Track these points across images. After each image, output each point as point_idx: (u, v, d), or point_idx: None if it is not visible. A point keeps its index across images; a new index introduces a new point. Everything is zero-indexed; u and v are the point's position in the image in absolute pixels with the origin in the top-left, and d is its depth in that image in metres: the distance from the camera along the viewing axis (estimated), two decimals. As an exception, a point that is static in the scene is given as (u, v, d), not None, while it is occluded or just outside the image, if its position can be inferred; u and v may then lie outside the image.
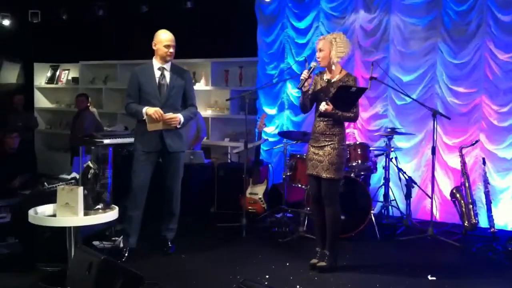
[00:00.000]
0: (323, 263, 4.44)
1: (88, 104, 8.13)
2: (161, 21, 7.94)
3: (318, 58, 4.42)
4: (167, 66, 4.81)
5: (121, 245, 4.78)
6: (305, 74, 4.38)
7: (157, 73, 4.78)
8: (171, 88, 4.77)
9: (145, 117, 4.63)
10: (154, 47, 4.78)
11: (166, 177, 4.84)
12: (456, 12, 5.99)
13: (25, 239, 4.59)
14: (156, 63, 4.80)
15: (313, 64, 4.43)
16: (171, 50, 4.74)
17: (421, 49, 6.23)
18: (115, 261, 3.55)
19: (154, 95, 4.72)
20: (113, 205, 4.12)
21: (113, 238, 5.00)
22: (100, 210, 3.99)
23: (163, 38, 4.74)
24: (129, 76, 4.88)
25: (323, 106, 4.30)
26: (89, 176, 4.00)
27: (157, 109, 4.60)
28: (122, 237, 4.83)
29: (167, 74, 4.79)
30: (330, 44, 4.35)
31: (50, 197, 4.30)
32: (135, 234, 4.77)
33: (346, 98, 4.29)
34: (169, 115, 4.64)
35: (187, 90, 4.89)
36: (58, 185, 4.30)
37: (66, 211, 3.80)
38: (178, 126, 4.71)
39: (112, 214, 4.02)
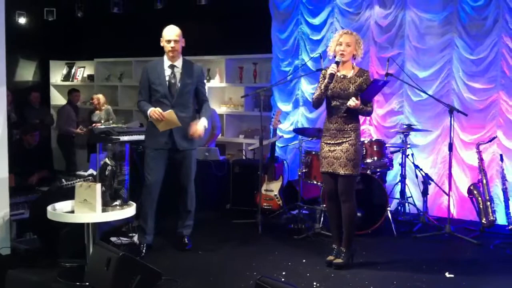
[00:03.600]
0: (339, 260, 4.43)
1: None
2: (176, 17, 7.95)
3: (344, 51, 4.36)
4: (178, 63, 4.71)
5: (137, 241, 4.80)
6: (334, 67, 4.34)
7: (167, 71, 4.69)
8: (183, 87, 4.69)
9: (150, 119, 4.59)
10: (161, 44, 4.71)
11: (179, 175, 4.82)
12: (472, 7, 5.93)
13: (43, 235, 4.63)
14: (166, 60, 4.72)
15: (338, 58, 4.39)
16: (172, 44, 4.61)
17: (437, 44, 6.18)
18: (133, 257, 3.58)
19: (164, 95, 4.65)
20: (130, 202, 4.15)
21: (130, 234, 5.02)
22: (118, 207, 4.03)
23: (165, 33, 4.66)
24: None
25: (352, 102, 4.24)
26: (107, 172, 4.03)
27: (156, 109, 4.52)
28: (138, 234, 4.84)
29: (178, 73, 4.69)
30: (357, 42, 4.38)
31: (68, 194, 4.34)
32: (151, 231, 4.78)
33: (372, 92, 4.33)
34: (193, 130, 4.61)
35: (198, 87, 4.81)
36: (76, 182, 4.34)
37: (84, 208, 3.83)
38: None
39: (129, 210, 4.06)
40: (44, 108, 9.05)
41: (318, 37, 6.89)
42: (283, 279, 4.13)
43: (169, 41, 4.64)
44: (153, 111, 4.52)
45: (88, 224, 3.96)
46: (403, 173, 5.85)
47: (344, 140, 4.37)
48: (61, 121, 8.53)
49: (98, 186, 3.86)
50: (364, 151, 5.53)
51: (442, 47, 6.15)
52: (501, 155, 5.69)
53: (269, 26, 7.26)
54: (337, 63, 4.37)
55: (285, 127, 7.16)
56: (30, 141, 6.61)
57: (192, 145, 4.80)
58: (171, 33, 4.66)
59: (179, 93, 4.68)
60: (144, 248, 4.70)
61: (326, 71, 4.40)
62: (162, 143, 4.69)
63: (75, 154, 8.54)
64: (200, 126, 4.66)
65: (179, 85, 4.68)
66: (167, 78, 4.68)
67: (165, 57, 4.73)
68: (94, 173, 4.93)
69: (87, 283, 3.71)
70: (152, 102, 4.68)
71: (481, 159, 5.58)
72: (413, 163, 5.87)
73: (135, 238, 4.91)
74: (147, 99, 4.71)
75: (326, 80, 4.38)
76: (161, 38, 4.71)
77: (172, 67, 4.70)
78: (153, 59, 4.88)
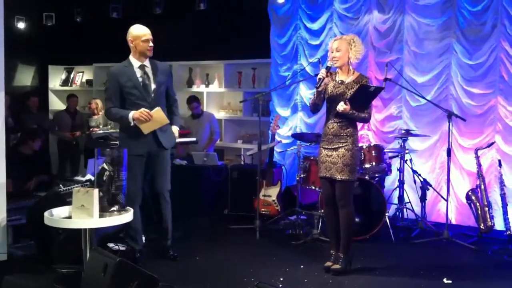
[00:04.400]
0: (337, 266, 4.42)
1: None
2: (175, 22, 8.01)
3: (335, 58, 4.38)
4: (147, 62, 4.57)
5: (136, 247, 4.77)
6: (323, 73, 4.36)
7: (139, 73, 4.52)
8: (158, 87, 4.57)
9: (132, 123, 4.43)
10: (130, 44, 4.52)
11: (156, 180, 4.67)
12: (471, 12, 5.93)
13: (40, 241, 4.61)
14: (135, 61, 4.52)
15: (330, 63, 4.42)
16: (151, 44, 4.49)
17: (436, 49, 6.17)
18: (130, 263, 3.56)
19: (141, 97, 4.49)
20: (127, 207, 4.14)
21: (128, 240, 5.00)
22: (115, 212, 4.00)
23: (140, 32, 4.50)
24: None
25: (341, 106, 4.27)
26: (104, 178, 4.00)
27: (142, 110, 4.40)
28: (129, 241, 4.76)
29: (150, 73, 4.56)
30: (348, 45, 4.35)
31: (65, 199, 4.32)
32: (140, 235, 4.74)
33: (364, 97, 4.31)
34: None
35: (169, 86, 4.73)
36: (74, 187, 4.32)
37: (82, 213, 3.81)
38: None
39: (127, 216, 4.03)
40: (42, 113, 9.03)
41: (317, 42, 6.89)
42: (280, 285, 4.12)
43: (147, 40, 4.48)
44: (140, 112, 4.38)
45: (85, 229, 3.93)
46: (401, 179, 5.83)
47: (341, 145, 4.37)
48: (54, 126, 8.56)
49: (96, 191, 3.84)
50: (363, 156, 5.53)
51: (440, 52, 6.15)
52: (499, 161, 5.68)
53: (268, 31, 7.26)
54: (328, 68, 4.38)
55: (284, 132, 7.16)
56: (33, 147, 6.60)
57: (173, 142, 4.77)
58: (146, 32, 4.51)
59: (156, 92, 4.56)
60: (140, 254, 4.67)
61: None
62: (145, 146, 4.55)
63: (68, 160, 8.56)
64: (176, 132, 4.78)
65: (154, 84, 4.56)
66: (140, 79, 4.52)
67: (132, 58, 4.55)
68: (92, 178, 4.92)
69: (84, 289, 3.70)
70: (127, 106, 4.51)
71: (479, 165, 5.57)
72: (411, 168, 5.86)
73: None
74: (118, 105, 4.53)
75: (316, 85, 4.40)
76: (131, 39, 4.51)
77: (142, 67, 4.55)
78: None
